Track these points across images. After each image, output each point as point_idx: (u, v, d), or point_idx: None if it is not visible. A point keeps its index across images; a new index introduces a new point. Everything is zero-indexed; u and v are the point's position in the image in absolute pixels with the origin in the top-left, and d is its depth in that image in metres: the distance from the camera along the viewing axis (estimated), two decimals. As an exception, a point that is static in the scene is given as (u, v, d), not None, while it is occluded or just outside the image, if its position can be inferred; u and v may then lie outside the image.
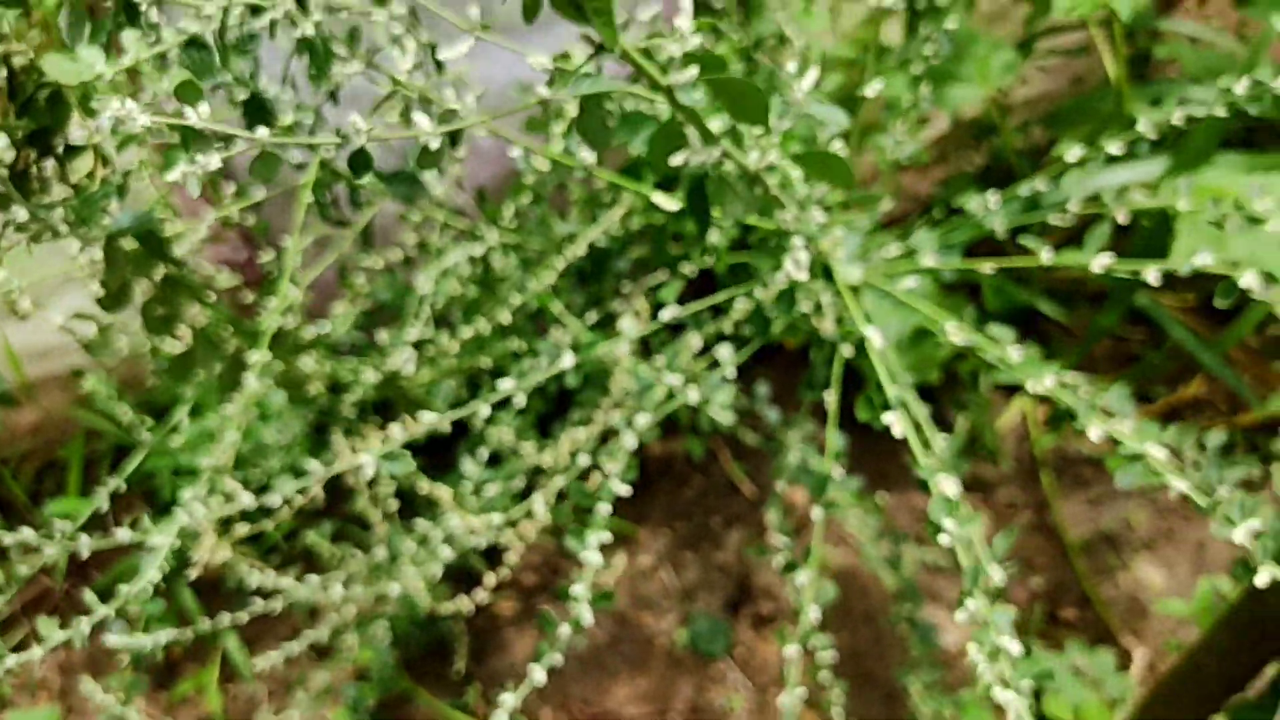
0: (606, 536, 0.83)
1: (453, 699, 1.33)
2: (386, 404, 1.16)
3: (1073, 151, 0.93)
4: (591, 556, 0.82)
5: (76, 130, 0.62)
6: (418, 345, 1.05)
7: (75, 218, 0.63)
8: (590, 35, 0.51)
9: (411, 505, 1.11)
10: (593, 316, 1.16)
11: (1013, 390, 1.53)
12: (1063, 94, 1.62)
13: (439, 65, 0.74)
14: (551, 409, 1.32)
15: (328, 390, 1.06)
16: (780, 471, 1.07)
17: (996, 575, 0.70)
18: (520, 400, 0.83)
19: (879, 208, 1.18)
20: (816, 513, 0.89)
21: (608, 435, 0.96)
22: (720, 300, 0.94)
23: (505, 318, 1.04)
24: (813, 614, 0.86)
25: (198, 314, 0.84)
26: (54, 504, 1.41)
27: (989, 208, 0.95)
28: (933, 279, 1.28)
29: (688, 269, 1.15)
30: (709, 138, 0.63)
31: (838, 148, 0.93)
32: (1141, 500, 1.46)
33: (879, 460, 1.46)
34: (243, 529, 1.04)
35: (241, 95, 0.67)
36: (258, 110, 0.67)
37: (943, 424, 1.54)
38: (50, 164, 0.62)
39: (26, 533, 0.82)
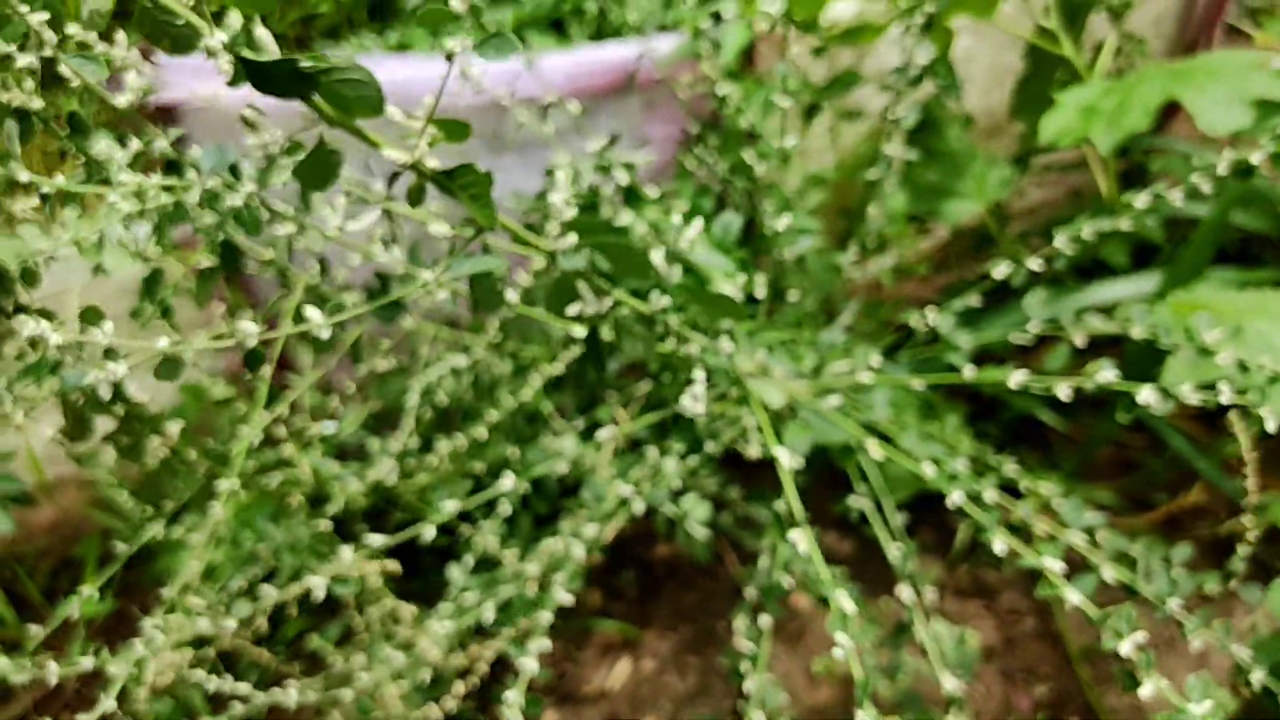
0: (546, 644, 0.86)
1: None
2: (379, 512, 1.19)
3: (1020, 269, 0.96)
4: (528, 663, 0.85)
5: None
6: (407, 454, 1.08)
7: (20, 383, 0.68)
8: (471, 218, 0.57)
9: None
10: (581, 422, 1.19)
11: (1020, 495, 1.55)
12: (1060, 203, 1.66)
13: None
14: (549, 513, 1.35)
15: (309, 501, 1.09)
16: (749, 579, 1.10)
17: (950, 684, 0.72)
18: (506, 509, 0.87)
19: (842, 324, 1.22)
20: (764, 620, 0.93)
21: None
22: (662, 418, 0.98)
23: (493, 418, 1.07)
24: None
25: (159, 444, 0.88)
26: (65, 605, 1.43)
27: (949, 328, 0.99)
28: (906, 390, 1.31)
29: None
30: (599, 290, 0.69)
31: (729, 288, 0.97)
32: (1144, 609, 1.46)
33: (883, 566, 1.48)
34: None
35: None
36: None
37: (946, 530, 1.56)
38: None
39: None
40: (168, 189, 0.67)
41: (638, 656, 1.47)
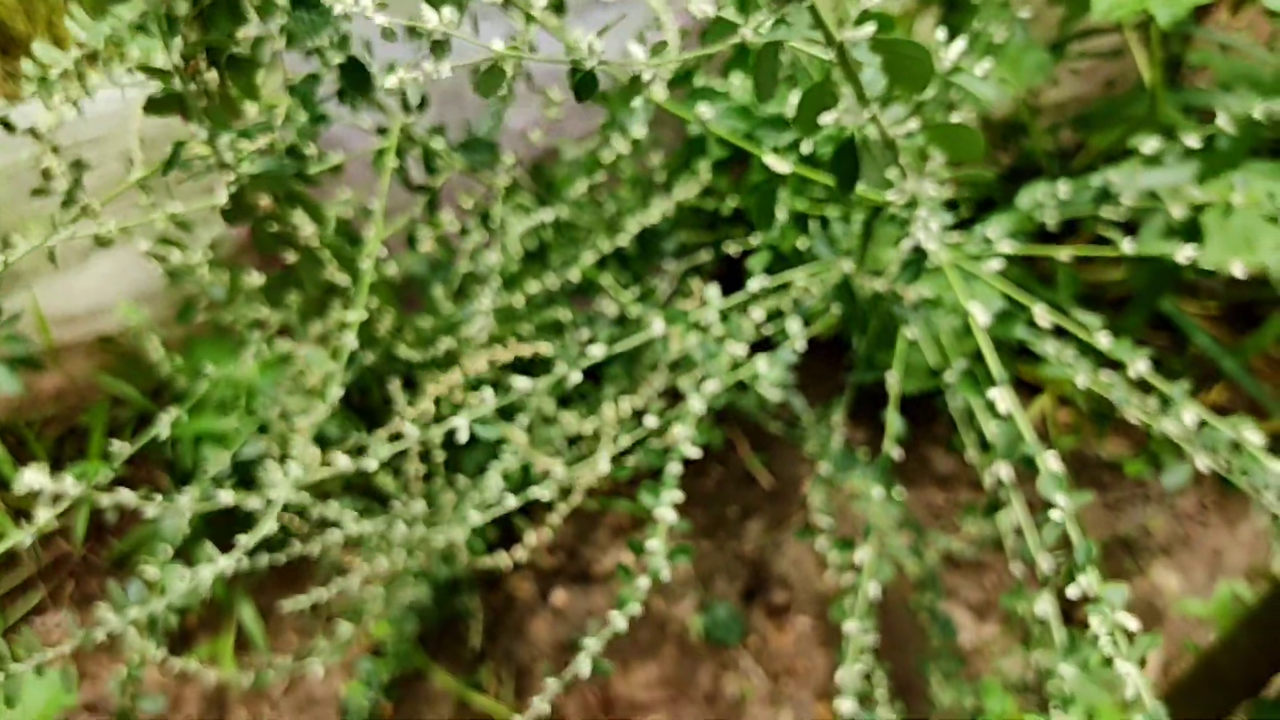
0: (678, 495, 0.85)
1: (466, 677, 1.33)
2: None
3: (1149, 144, 0.94)
4: (665, 513, 0.83)
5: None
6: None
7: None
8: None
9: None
10: (635, 291, 1.17)
11: (1035, 391, 1.53)
12: (1093, 97, 1.62)
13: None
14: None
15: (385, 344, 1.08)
16: (825, 455, 1.07)
17: (1046, 563, 0.71)
18: (575, 376, 0.86)
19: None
20: (877, 492, 0.90)
21: (643, 413, 0.98)
22: (794, 278, 0.95)
23: (552, 283, 1.05)
24: (872, 590, 0.88)
25: (311, 234, 0.86)
26: (74, 467, 1.41)
27: (1041, 200, 0.96)
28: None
29: (732, 249, 1.17)
30: (863, 99, 0.61)
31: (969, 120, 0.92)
32: (1160, 506, 1.46)
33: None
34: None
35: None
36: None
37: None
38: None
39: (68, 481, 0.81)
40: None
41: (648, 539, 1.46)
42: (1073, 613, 1.37)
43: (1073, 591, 0.71)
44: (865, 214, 0.91)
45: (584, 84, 0.56)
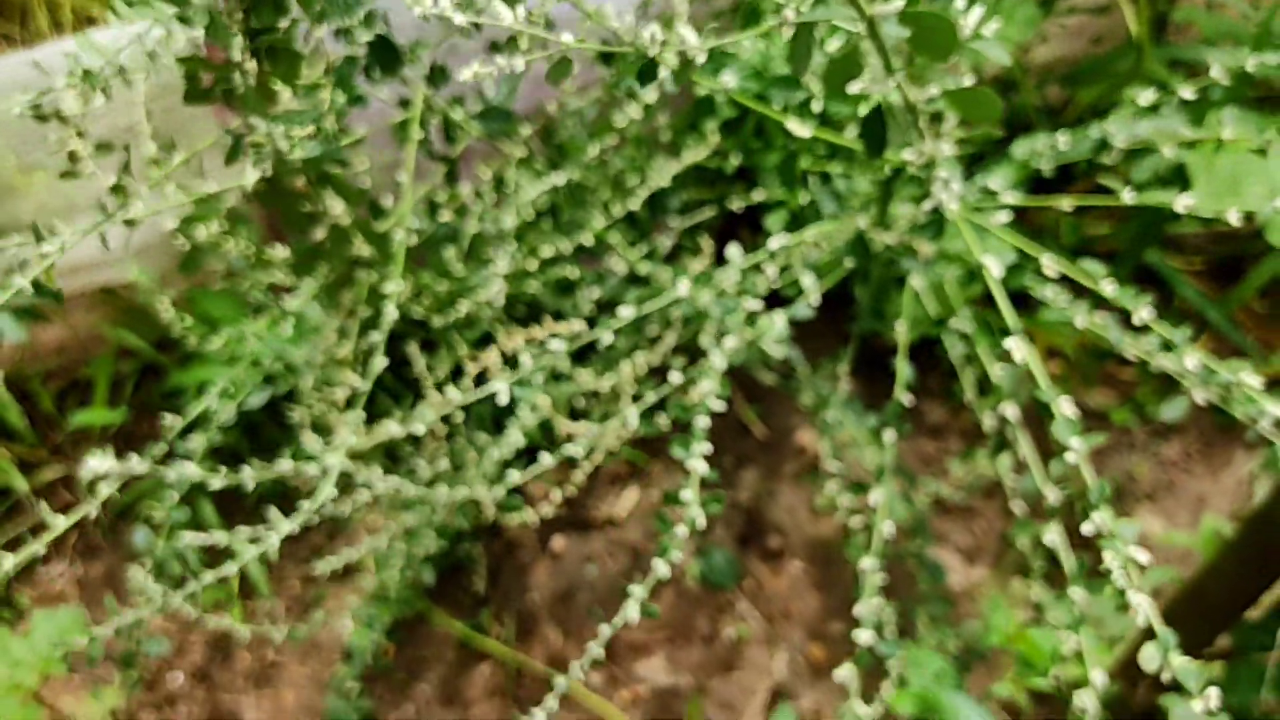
0: (707, 447, 0.86)
1: (468, 620, 1.36)
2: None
3: (1145, 95, 0.96)
4: (697, 464, 0.85)
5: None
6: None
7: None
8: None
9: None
10: (642, 249, 1.20)
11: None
12: (1081, 55, 1.65)
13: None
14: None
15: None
16: (829, 404, 1.10)
17: (1052, 495, 0.74)
18: (606, 337, 0.89)
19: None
20: (889, 435, 0.93)
21: (664, 369, 1.01)
22: (805, 236, 0.98)
23: (565, 247, 1.07)
24: (887, 529, 0.90)
25: (342, 212, 0.88)
26: (80, 414, 1.43)
27: (1040, 150, 0.98)
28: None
29: (735, 204, 1.19)
30: (889, 68, 0.65)
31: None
32: (1145, 454, 1.49)
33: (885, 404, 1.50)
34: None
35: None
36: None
37: (949, 372, 1.57)
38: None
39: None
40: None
41: (645, 486, 1.50)
42: (1073, 546, 1.41)
43: (1087, 528, 0.74)
44: (881, 174, 0.94)
45: (645, 72, 0.59)
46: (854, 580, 1.17)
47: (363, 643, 1.28)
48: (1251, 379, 0.77)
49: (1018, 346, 0.80)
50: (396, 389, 1.34)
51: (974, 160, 1.49)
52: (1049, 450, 0.81)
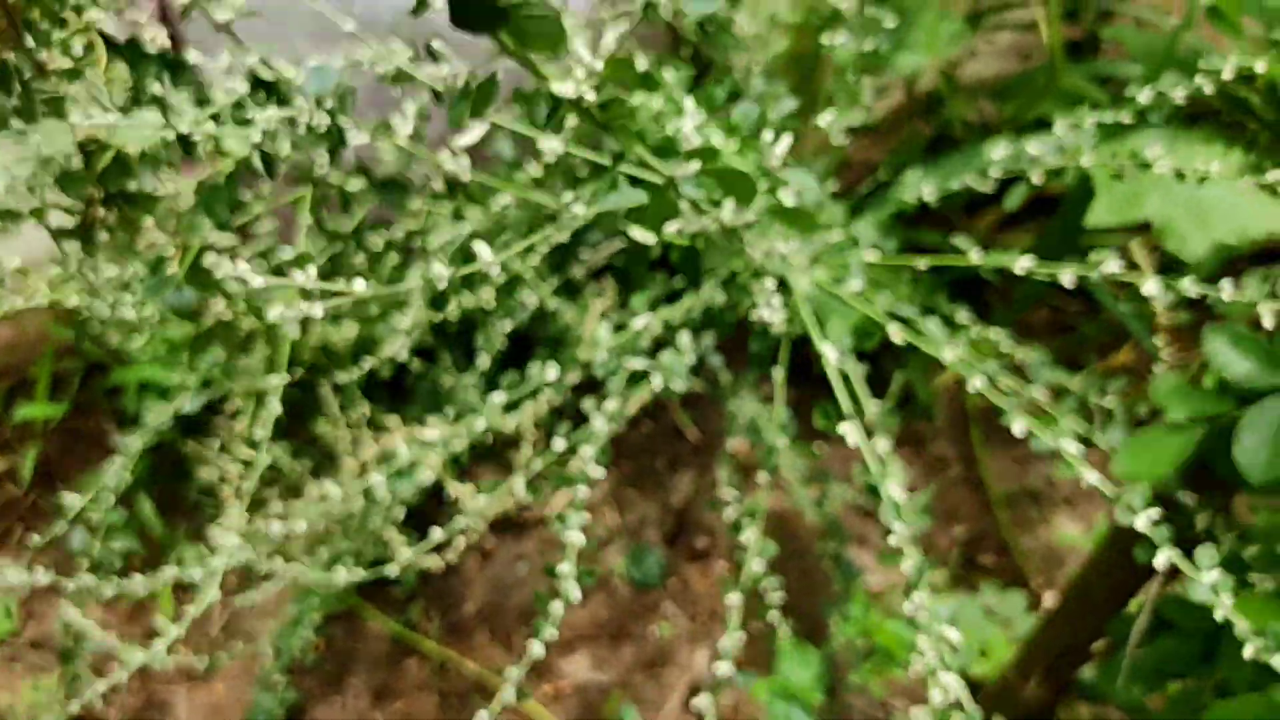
0: (585, 518, 0.86)
1: (397, 616, 1.39)
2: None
3: (1060, 121, 1.00)
4: (574, 537, 0.84)
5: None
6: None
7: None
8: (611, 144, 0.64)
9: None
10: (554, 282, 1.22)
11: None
12: (1008, 77, 1.69)
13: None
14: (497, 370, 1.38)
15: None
16: (731, 428, 1.13)
17: (900, 530, 0.78)
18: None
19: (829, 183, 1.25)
20: (762, 477, 0.95)
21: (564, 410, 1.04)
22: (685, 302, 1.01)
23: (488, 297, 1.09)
24: (756, 566, 0.93)
25: (223, 310, 0.91)
26: (23, 408, 1.46)
27: (917, 181, 1.02)
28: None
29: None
30: (699, 211, 0.73)
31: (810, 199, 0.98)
32: (1063, 461, 1.52)
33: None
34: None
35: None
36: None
37: (882, 382, 1.61)
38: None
39: None
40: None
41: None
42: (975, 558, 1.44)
43: (907, 607, 0.77)
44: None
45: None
46: (780, 583, 1.21)
47: (290, 639, 1.31)
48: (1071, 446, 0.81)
49: (852, 432, 0.83)
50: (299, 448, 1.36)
51: (900, 168, 1.53)
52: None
